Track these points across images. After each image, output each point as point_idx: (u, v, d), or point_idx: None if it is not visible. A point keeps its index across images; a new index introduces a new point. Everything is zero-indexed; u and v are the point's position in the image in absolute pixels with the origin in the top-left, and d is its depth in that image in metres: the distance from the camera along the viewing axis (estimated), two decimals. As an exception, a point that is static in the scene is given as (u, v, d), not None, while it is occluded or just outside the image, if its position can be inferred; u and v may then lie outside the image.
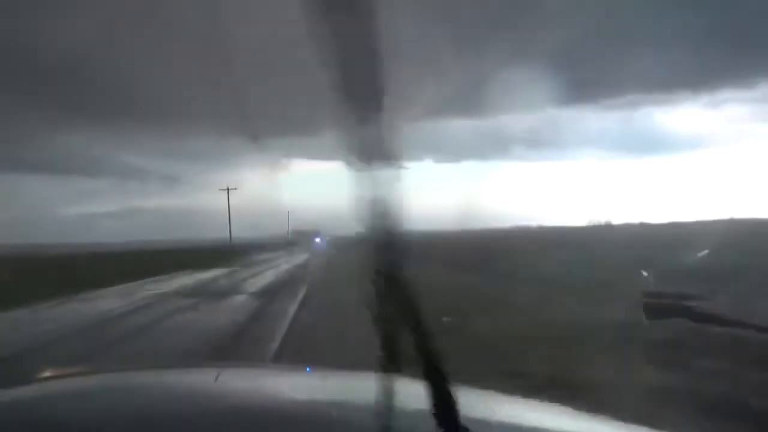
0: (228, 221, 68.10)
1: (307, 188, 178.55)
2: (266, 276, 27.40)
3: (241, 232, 75.86)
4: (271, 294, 17.92)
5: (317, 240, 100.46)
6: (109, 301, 16.95)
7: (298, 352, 8.43)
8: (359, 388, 1.68)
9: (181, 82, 65.37)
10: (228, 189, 66.96)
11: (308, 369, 2.23)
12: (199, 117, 75.18)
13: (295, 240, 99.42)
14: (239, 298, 17.22)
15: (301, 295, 16.70)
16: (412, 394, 1.14)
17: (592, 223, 64.05)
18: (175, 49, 59.63)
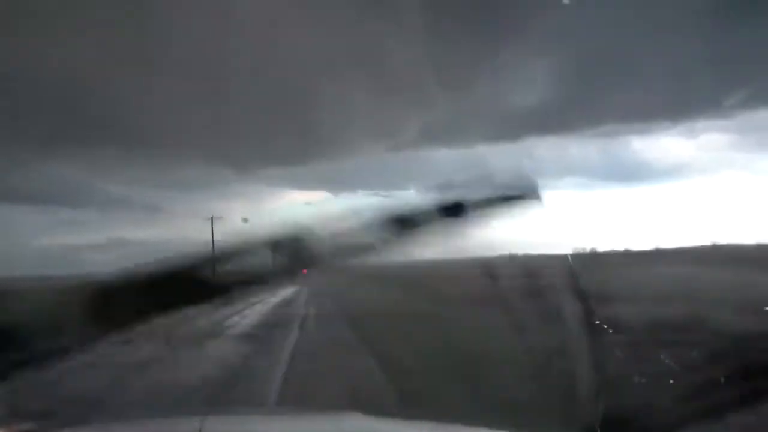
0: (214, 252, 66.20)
1: (291, 219, 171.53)
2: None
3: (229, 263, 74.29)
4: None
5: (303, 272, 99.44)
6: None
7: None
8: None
9: (167, 110, 61.98)
10: (212, 218, 65.56)
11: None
12: (185, 146, 71.62)
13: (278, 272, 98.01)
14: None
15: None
16: None
17: (577, 251, 60.15)
18: (161, 78, 58.36)
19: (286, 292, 33.16)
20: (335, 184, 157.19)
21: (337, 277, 30.89)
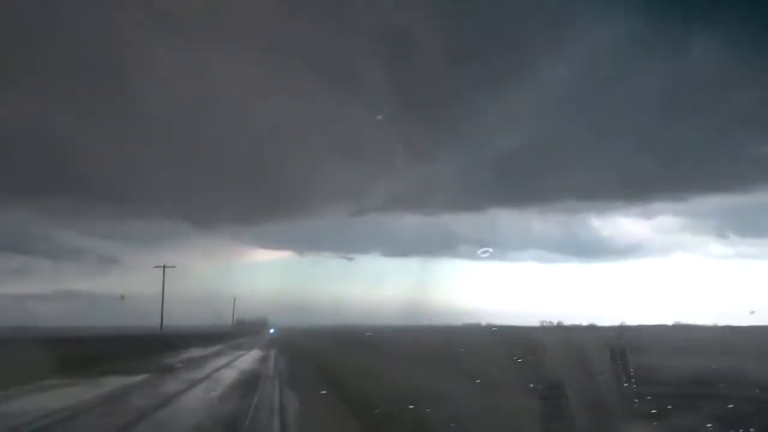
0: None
1: (255, 276, 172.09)
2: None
3: (182, 319, 69.87)
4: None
5: (270, 331, 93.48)
6: None
7: None
8: None
9: (128, 164, 62.06)
10: (164, 267, 58.00)
11: None
12: (145, 199, 71.34)
13: (239, 331, 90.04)
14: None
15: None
16: None
17: (543, 324, 64.31)
18: (123, 132, 59.29)
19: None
20: (301, 244, 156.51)
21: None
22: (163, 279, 57.78)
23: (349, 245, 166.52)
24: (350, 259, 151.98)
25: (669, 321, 73.16)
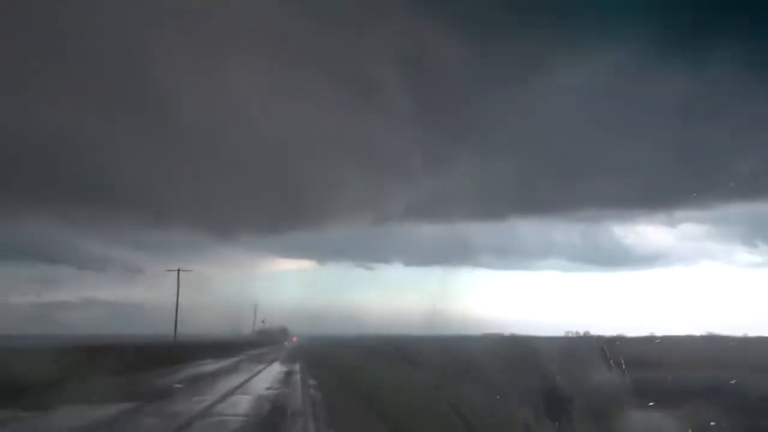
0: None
1: (276, 286, 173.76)
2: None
3: (202, 328, 69.65)
4: None
5: (293, 340, 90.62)
6: None
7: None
8: None
9: (151, 173, 61.83)
10: (179, 270, 53.96)
11: None
12: (167, 209, 69.20)
13: (259, 341, 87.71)
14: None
15: None
16: None
17: (568, 335, 61.97)
18: (146, 141, 58.58)
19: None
20: (321, 253, 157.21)
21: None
22: (178, 283, 55.45)
23: (369, 255, 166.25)
24: (371, 268, 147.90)
25: (698, 331, 67.54)
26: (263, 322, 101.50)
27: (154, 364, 31.20)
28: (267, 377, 27.40)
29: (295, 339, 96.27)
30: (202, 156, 62.61)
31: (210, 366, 34.81)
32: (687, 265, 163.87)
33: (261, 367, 35.10)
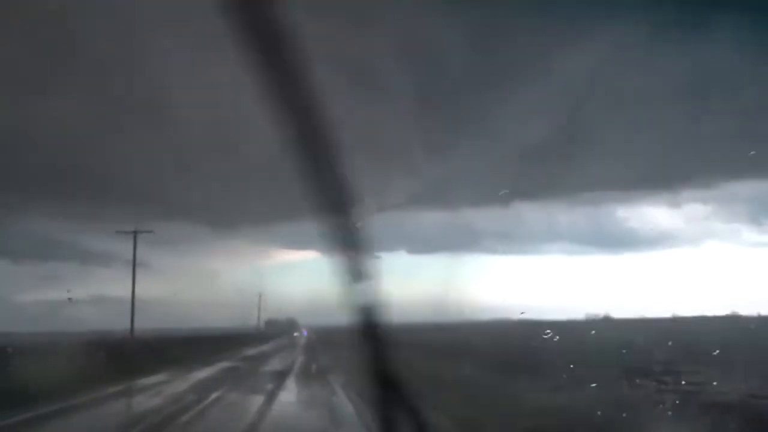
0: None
1: (280, 277, 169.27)
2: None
3: (207, 321, 66.24)
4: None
5: (304, 332, 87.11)
6: None
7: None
8: None
9: (150, 165, 58.02)
10: (135, 233, 39.78)
11: None
12: (167, 203, 66.09)
13: (267, 333, 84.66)
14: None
15: None
16: None
17: (589, 318, 61.34)
18: (142, 135, 55.25)
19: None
20: (324, 243, 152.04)
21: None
22: (134, 250, 40.67)
23: (373, 243, 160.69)
24: (376, 257, 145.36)
25: (714, 312, 65.39)
26: (267, 315, 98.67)
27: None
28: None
29: (304, 332, 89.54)
30: (202, 150, 58.61)
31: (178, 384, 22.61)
32: (693, 245, 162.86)
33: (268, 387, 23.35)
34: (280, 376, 22.00)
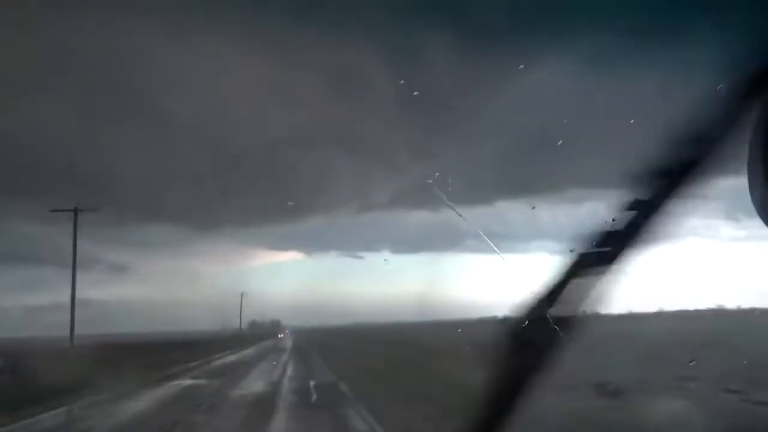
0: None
1: (263, 279, 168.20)
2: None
3: (189, 324, 65.94)
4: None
5: (285, 334, 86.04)
6: None
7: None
8: None
9: (131, 167, 57.18)
10: (76, 210, 35.68)
11: None
12: (148, 205, 66.00)
13: (251, 335, 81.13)
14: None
15: None
16: None
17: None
18: (125, 136, 55.26)
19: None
20: (307, 244, 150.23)
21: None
22: (74, 234, 34.13)
23: (356, 244, 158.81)
24: (360, 257, 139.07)
25: (704, 306, 67.53)
26: (251, 317, 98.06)
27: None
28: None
29: (285, 333, 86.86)
30: (185, 151, 62.59)
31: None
32: (671, 242, 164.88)
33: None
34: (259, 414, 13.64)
